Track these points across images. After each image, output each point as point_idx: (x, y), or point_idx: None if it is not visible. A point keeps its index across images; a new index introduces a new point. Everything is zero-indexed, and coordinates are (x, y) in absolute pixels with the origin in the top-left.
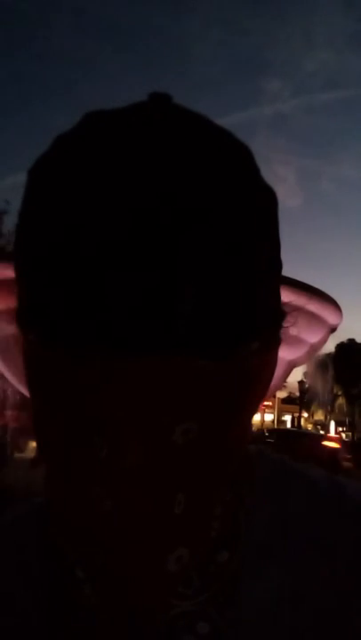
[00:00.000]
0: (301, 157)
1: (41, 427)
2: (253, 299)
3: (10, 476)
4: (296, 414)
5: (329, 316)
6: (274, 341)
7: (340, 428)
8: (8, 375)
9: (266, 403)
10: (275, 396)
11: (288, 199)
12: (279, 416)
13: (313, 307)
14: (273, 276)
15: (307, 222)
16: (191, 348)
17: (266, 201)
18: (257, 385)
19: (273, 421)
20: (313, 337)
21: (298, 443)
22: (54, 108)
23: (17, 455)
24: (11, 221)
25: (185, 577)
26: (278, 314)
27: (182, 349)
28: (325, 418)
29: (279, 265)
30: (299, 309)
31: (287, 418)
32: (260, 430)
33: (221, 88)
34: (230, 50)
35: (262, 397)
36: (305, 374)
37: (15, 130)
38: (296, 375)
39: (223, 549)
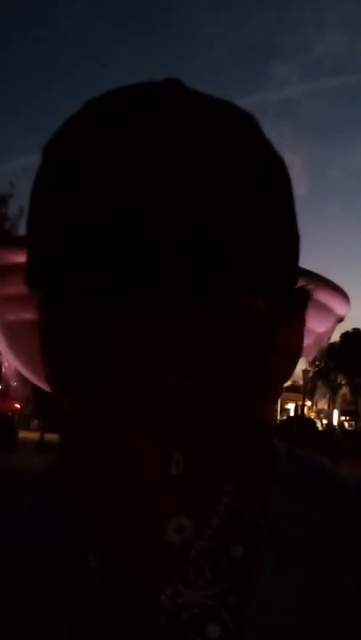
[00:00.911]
0: (309, 144)
1: (50, 370)
2: (249, 249)
3: (15, 460)
4: (300, 403)
5: (337, 306)
6: (291, 311)
7: (344, 417)
8: (15, 362)
9: None
10: None
11: (294, 186)
12: (283, 404)
13: (321, 296)
14: (283, 240)
15: (313, 210)
16: (181, 293)
17: (275, 169)
18: (268, 355)
19: (276, 410)
20: (320, 326)
21: None
22: (58, 92)
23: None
24: (15, 205)
25: (196, 566)
26: (293, 279)
27: (172, 293)
28: (329, 406)
29: (293, 233)
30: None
31: (290, 406)
32: None
33: (228, 72)
34: (238, 33)
35: (280, 377)
36: (309, 362)
37: (19, 113)
38: (300, 363)
39: (238, 544)
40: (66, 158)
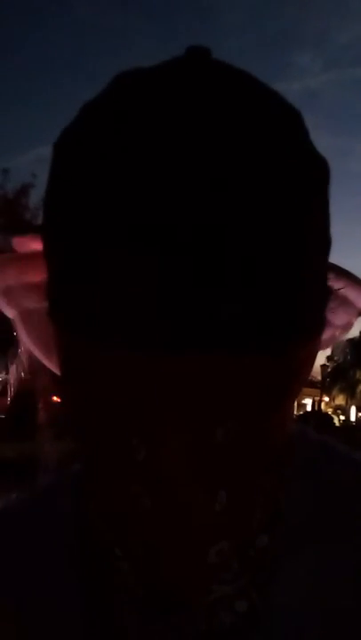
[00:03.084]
0: (330, 135)
1: (76, 418)
2: (304, 289)
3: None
4: (317, 398)
5: (357, 300)
6: (321, 326)
7: None
8: (34, 350)
9: None
10: None
11: None
12: (300, 399)
13: (340, 289)
14: (323, 259)
15: (336, 201)
16: (240, 347)
17: (319, 173)
18: (304, 372)
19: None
20: (340, 320)
21: None
22: (79, 80)
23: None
24: (37, 195)
25: (226, 565)
26: (327, 297)
27: (230, 348)
28: (346, 403)
29: (329, 243)
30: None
31: (308, 401)
32: None
33: (249, 61)
34: (259, 21)
35: (306, 380)
36: (328, 357)
37: (40, 102)
38: (319, 359)
39: (263, 533)
40: (90, 168)
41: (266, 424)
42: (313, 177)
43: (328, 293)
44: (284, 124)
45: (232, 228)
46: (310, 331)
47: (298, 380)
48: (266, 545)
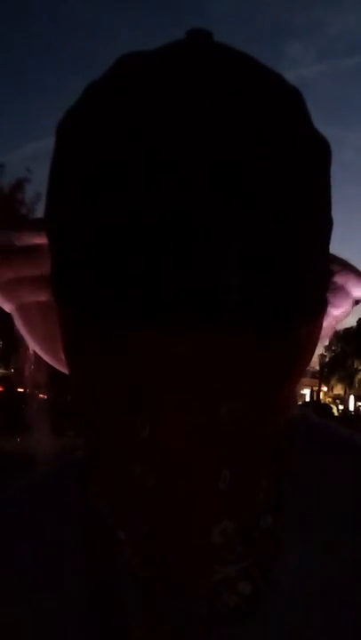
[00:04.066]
0: (324, 125)
1: (80, 401)
2: (306, 268)
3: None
4: (315, 388)
5: (353, 288)
6: (322, 307)
7: (360, 403)
8: (31, 342)
9: None
10: None
11: None
12: (298, 389)
13: (338, 278)
14: (325, 240)
15: None
16: (241, 323)
17: (321, 153)
18: (305, 354)
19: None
20: (336, 309)
21: None
22: (73, 75)
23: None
24: (32, 190)
25: (229, 546)
26: (328, 279)
27: (232, 324)
28: (345, 392)
29: (330, 224)
30: None
31: (306, 392)
32: None
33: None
34: (251, 11)
35: (308, 363)
36: (325, 347)
37: (35, 97)
38: (317, 349)
39: (268, 515)
40: (94, 147)
41: (269, 404)
42: (315, 156)
43: (329, 274)
44: (286, 104)
45: (233, 207)
46: (311, 310)
47: (299, 361)
48: (269, 527)
